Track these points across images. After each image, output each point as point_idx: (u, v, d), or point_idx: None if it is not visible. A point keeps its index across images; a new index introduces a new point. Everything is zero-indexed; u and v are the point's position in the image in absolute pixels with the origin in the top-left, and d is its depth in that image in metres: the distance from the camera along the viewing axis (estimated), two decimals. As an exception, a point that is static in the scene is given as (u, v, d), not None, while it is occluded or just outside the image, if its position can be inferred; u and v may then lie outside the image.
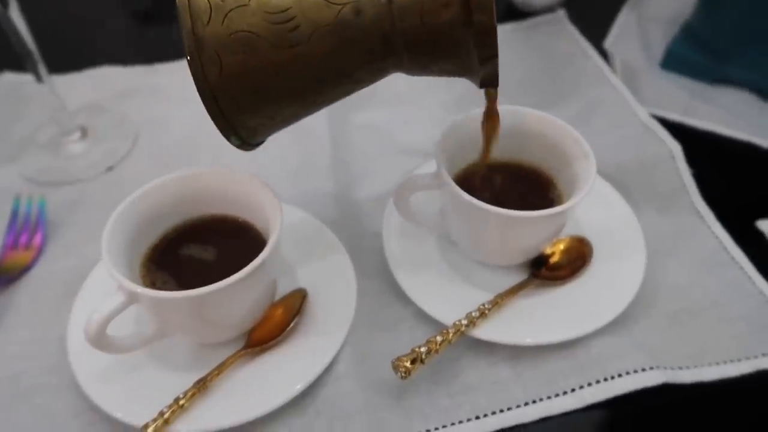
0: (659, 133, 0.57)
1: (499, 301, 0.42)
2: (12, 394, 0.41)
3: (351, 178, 0.55)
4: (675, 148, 0.55)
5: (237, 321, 0.40)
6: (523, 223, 0.40)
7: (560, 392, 0.40)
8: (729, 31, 0.63)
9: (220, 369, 0.39)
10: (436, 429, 0.39)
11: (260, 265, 0.36)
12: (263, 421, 0.38)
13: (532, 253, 0.45)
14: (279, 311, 0.42)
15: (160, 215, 0.41)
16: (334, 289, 0.44)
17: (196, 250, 0.41)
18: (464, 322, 0.41)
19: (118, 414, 0.37)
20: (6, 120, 0.63)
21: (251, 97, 0.32)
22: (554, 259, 0.46)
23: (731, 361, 0.42)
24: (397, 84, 0.64)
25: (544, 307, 0.43)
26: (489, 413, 0.40)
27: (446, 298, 0.43)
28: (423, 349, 0.39)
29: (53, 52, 0.59)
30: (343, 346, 0.42)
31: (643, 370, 0.40)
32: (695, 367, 0.42)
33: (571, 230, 0.47)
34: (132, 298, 0.36)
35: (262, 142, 0.37)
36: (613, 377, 0.41)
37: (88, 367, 0.40)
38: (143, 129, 0.61)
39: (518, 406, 0.40)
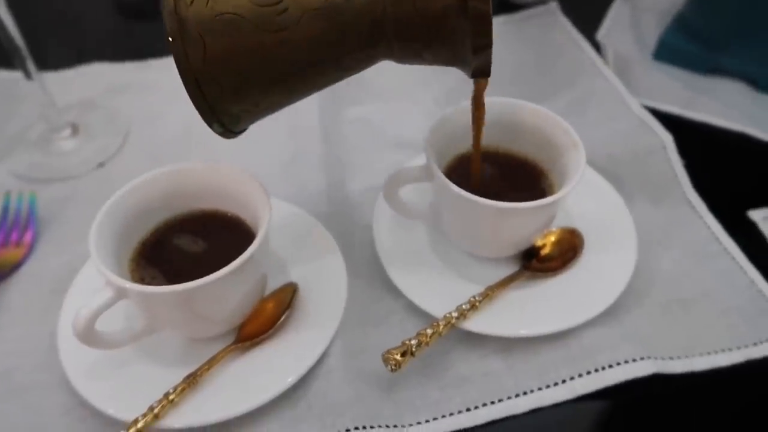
0: (651, 124, 0.57)
1: (490, 294, 0.42)
2: (3, 391, 0.41)
3: (342, 172, 0.55)
4: (667, 138, 0.55)
5: (227, 315, 0.40)
6: (513, 214, 0.40)
7: (551, 383, 0.40)
8: (722, 22, 0.63)
9: (210, 363, 0.39)
10: (427, 421, 0.39)
11: (248, 259, 0.36)
12: (254, 415, 0.38)
13: (523, 245, 0.45)
14: (269, 305, 0.42)
15: (149, 210, 0.41)
16: (324, 283, 0.44)
17: (186, 245, 0.41)
18: (455, 314, 0.41)
19: (110, 410, 0.37)
20: (-4, 117, 0.63)
21: (235, 82, 0.31)
22: (545, 250, 0.46)
23: (722, 351, 0.42)
24: (388, 78, 0.65)
25: (535, 299, 0.43)
26: (480, 405, 0.40)
27: (437, 291, 0.43)
28: (413, 342, 0.39)
29: (43, 49, 0.58)
30: (333, 340, 0.42)
31: (634, 360, 0.40)
32: (686, 357, 0.42)
33: (562, 222, 0.47)
34: (120, 294, 0.35)
35: (245, 130, 0.36)
36: (604, 368, 0.41)
37: (79, 364, 0.40)
38: (134, 125, 0.61)
39: (509, 398, 0.40)
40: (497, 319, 0.42)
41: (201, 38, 0.29)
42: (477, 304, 0.41)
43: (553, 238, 0.46)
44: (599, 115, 0.60)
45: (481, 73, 0.32)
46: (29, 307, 0.46)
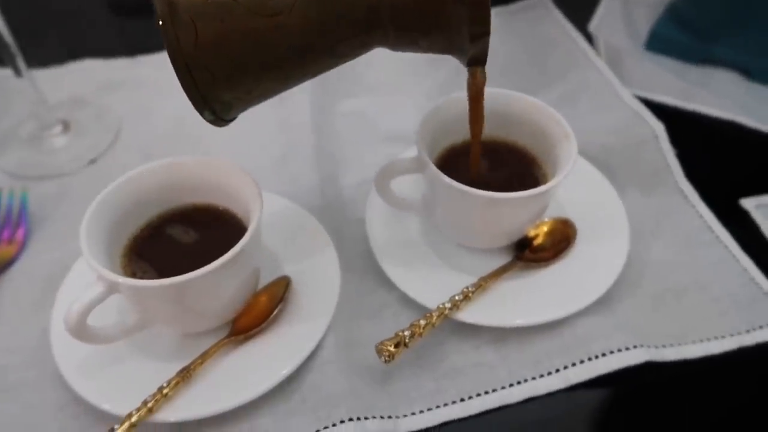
0: (643, 114, 0.57)
1: (483, 284, 0.42)
2: (-4, 388, 0.41)
3: (334, 165, 0.55)
4: (659, 128, 0.55)
5: (219, 309, 0.40)
6: (505, 204, 0.40)
7: (545, 373, 0.40)
8: (714, 11, 0.63)
9: (203, 357, 0.39)
10: (422, 412, 0.39)
11: (240, 252, 0.35)
12: (248, 408, 0.38)
13: (516, 236, 0.45)
14: (263, 299, 0.42)
15: (140, 205, 0.41)
16: (317, 276, 0.44)
17: (177, 239, 0.41)
18: (448, 305, 0.41)
19: (104, 405, 0.37)
20: (-13, 115, 0.62)
21: (227, 68, 0.30)
22: (538, 241, 0.46)
23: (715, 338, 0.42)
24: (380, 72, 0.65)
25: (528, 289, 0.43)
26: (474, 395, 0.40)
27: (430, 283, 0.43)
28: (406, 333, 0.39)
29: (33, 46, 0.58)
30: (327, 333, 0.42)
31: (627, 349, 0.41)
32: (679, 345, 0.42)
33: (554, 212, 0.47)
34: (112, 288, 0.35)
35: (235, 118, 0.35)
36: (597, 357, 0.41)
37: (72, 360, 0.39)
38: (125, 122, 0.61)
39: (503, 388, 0.40)
40: (490, 310, 0.42)
41: (192, 22, 0.28)
42: (470, 294, 0.41)
43: (545, 229, 0.46)
44: (591, 105, 0.60)
45: (477, 62, 0.32)
46: (21, 304, 0.45)
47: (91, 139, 0.59)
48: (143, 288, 0.35)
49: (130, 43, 0.70)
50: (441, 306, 0.41)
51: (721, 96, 0.62)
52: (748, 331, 0.42)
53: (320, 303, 0.42)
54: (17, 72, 0.55)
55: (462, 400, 0.40)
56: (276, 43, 0.30)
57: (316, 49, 0.31)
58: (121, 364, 0.40)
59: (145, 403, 0.36)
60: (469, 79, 0.35)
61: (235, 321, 0.41)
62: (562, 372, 0.40)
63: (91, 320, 0.36)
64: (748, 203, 0.51)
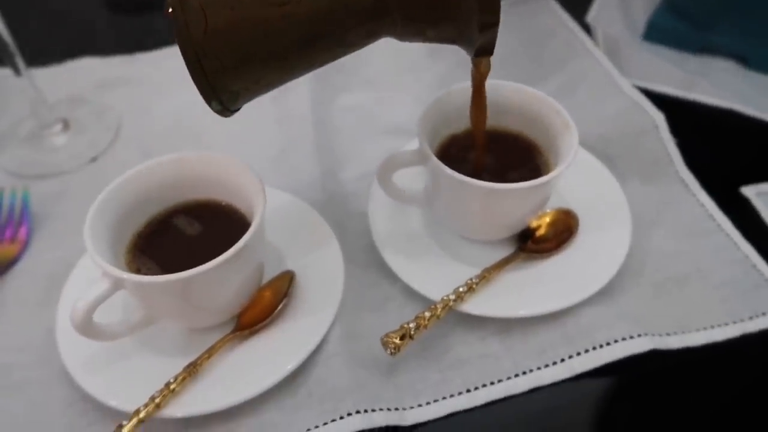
0: (643, 103, 0.57)
1: (486, 276, 0.42)
2: (3, 387, 0.41)
3: (336, 159, 0.55)
4: (659, 118, 0.55)
5: (224, 304, 0.40)
6: (507, 195, 0.40)
7: (550, 363, 0.41)
8: (711, 0, 0.63)
9: (209, 352, 0.39)
10: (428, 403, 0.39)
11: (244, 247, 0.36)
12: (254, 402, 0.39)
13: (518, 227, 0.45)
14: (267, 294, 0.42)
15: (143, 201, 0.41)
16: (321, 270, 0.44)
17: (181, 235, 0.41)
18: (452, 297, 0.41)
19: (111, 402, 0.37)
20: (-14, 115, 0.62)
21: (236, 57, 0.30)
22: (540, 232, 0.46)
23: (718, 325, 0.43)
24: (379, 65, 0.65)
25: (531, 280, 0.44)
26: (480, 386, 0.40)
27: (434, 275, 0.43)
28: (411, 325, 0.39)
29: (30, 45, 0.58)
30: (332, 326, 0.42)
31: (631, 337, 0.41)
32: (682, 333, 0.42)
33: (556, 203, 0.47)
34: (117, 285, 0.35)
35: (239, 109, 0.35)
36: (601, 346, 0.41)
37: (78, 357, 0.40)
38: (125, 119, 0.61)
39: (509, 378, 0.40)
40: (495, 301, 0.42)
41: (202, 10, 0.28)
42: (474, 286, 0.42)
43: (547, 219, 0.46)
44: (590, 96, 0.60)
45: (484, 52, 0.32)
46: (26, 303, 0.45)
47: (91, 137, 0.59)
48: (148, 284, 0.35)
49: (127, 41, 0.70)
50: (445, 298, 0.41)
51: (720, 85, 0.62)
52: (750, 318, 0.43)
53: (324, 297, 0.42)
54: (16, 71, 0.55)
55: (468, 391, 0.40)
56: (285, 31, 0.30)
57: (324, 38, 0.31)
58: (128, 361, 0.40)
59: (152, 398, 0.36)
60: (473, 69, 0.35)
61: (240, 316, 0.41)
62: (567, 361, 0.40)
63: (97, 317, 0.36)
64: (749, 191, 0.51)
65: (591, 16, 0.71)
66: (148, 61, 0.67)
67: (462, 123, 0.44)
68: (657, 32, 0.67)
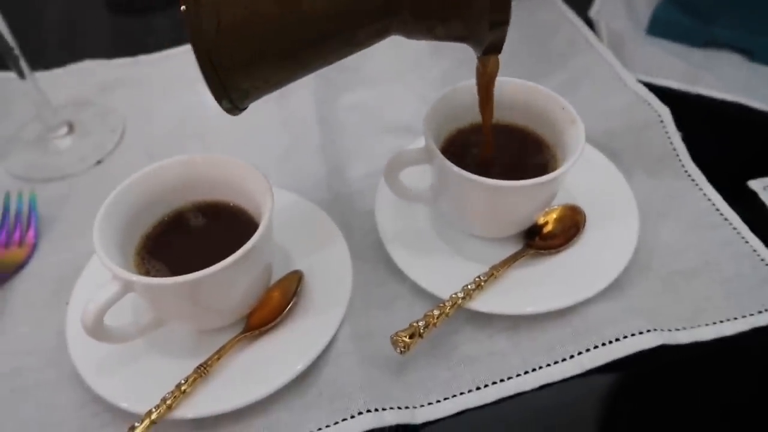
0: (647, 98, 0.57)
1: (494, 273, 0.42)
2: (14, 390, 0.41)
3: (341, 159, 0.55)
4: (664, 112, 0.55)
5: (233, 305, 0.40)
6: (513, 192, 0.40)
7: (559, 359, 0.41)
8: (714, -7, 0.63)
9: (220, 353, 0.39)
10: (438, 401, 0.39)
11: (252, 248, 0.36)
12: (265, 403, 0.39)
13: (526, 224, 0.45)
14: (276, 294, 0.42)
15: (151, 203, 0.41)
16: (329, 270, 0.44)
17: (189, 237, 0.41)
18: (461, 294, 0.41)
19: (123, 403, 0.37)
20: (-9, 119, 0.62)
21: (249, 55, 0.30)
22: (548, 228, 0.46)
23: (727, 320, 0.42)
24: (382, 63, 0.64)
25: (539, 277, 0.43)
26: (489, 383, 0.40)
27: (442, 273, 0.43)
28: (421, 324, 0.39)
29: (35, 48, 0.58)
30: (341, 326, 0.42)
31: (641, 333, 0.41)
32: (692, 327, 0.42)
33: (563, 199, 0.47)
34: (127, 287, 0.36)
35: (247, 107, 0.35)
36: (611, 342, 0.41)
37: (89, 359, 0.40)
38: (130, 121, 0.61)
39: (518, 375, 0.40)
40: (503, 298, 0.42)
41: (216, 8, 0.28)
42: (482, 283, 0.42)
43: (555, 216, 0.46)
44: (595, 91, 0.60)
45: (493, 50, 0.32)
46: (35, 306, 0.46)
47: (96, 140, 0.59)
48: (158, 286, 0.35)
49: (129, 43, 0.70)
50: (454, 295, 0.41)
51: (725, 78, 0.62)
52: (760, 312, 0.43)
53: (333, 296, 0.43)
54: (20, 74, 0.55)
55: (478, 388, 0.40)
56: (297, 30, 0.30)
57: (336, 36, 0.31)
58: (138, 362, 0.40)
59: (164, 400, 0.36)
60: (479, 67, 0.35)
61: (249, 317, 0.41)
62: (576, 358, 0.40)
63: (107, 320, 0.36)
64: (756, 184, 0.51)
65: (594, 11, 0.71)
66: (150, 62, 0.67)
67: (467, 118, 0.44)
68: (661, 26, 0.67)
